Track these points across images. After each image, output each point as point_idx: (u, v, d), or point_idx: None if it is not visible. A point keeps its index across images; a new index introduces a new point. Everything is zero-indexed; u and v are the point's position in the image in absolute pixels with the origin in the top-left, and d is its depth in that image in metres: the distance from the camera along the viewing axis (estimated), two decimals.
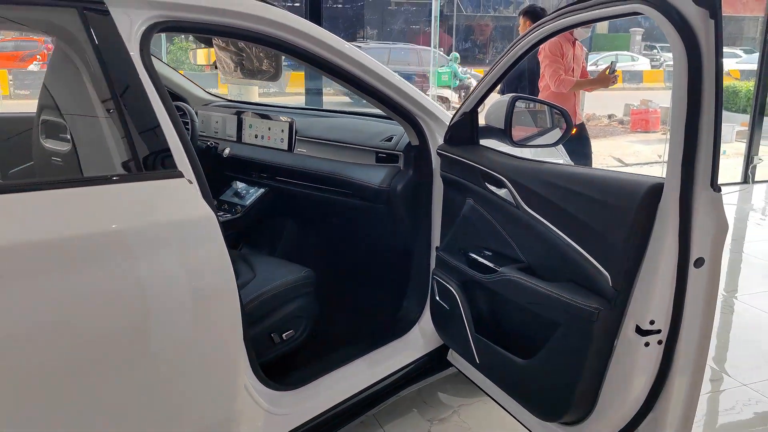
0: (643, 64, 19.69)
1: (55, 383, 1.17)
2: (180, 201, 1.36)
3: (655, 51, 21.26)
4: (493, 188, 1.79)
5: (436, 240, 2.12)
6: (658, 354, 1.39)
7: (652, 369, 1.40)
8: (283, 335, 1.90)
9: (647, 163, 8.78)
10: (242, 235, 2.50)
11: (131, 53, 1.35)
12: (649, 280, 1.35)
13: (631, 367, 1.41)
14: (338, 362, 1.95)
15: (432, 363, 2.19)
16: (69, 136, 1.48)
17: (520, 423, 1.85)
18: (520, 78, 4.42)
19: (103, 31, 1.32)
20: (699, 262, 1.31)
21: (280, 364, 1.88)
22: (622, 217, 1.37)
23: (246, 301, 1.80)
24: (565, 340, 1.51)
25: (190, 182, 1.39)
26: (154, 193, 1.34)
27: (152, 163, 1.36)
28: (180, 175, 1.37)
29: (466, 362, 2.08)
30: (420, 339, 2.16)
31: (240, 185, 2.50)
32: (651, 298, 1.35)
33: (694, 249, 1.30)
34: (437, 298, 2.01)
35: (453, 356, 2.17)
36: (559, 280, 1.55)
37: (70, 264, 1.18)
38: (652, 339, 1.37)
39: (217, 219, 1.40)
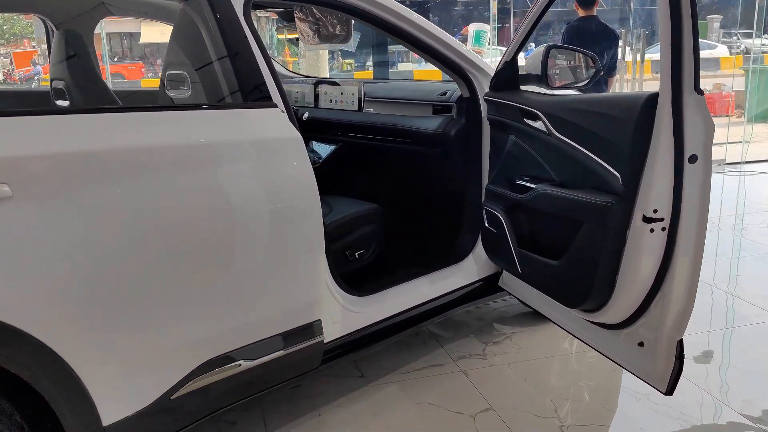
0: (721, 51, 19.06)
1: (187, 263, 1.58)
2: (275, 124, 1.76)
3: (734, 38, 20.51)
4: (530, 122, 2.11)
5: (486, 179, 2.45)
6: (662, 239, 1.67)
7: (657, 252, 1.68)
8: (356, 254, 2.28)
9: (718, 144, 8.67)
10: (319, 185, 2.88)
11: (238, 14, 1.77)
12: (651, 176, 1.64)
13: (640, 252, 1.70)
14: (403, 278, 2.31)
15: (485, 287, 2.52)
16: (189, 83, 1.91)
17: (557, 324, 2.16)
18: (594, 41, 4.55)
19: (220, 1, 1.75)
20: (693, 159, 1.59)
21: (355, 277, 2.26)
22: (628, 125, 1.67)
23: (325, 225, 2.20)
24: (587, 235, 1.81)
25: (282, 112, 1.79)
26: (256, 118, 1.75)
27: (254, 96, 1.77)
28: (274, 105, 1.78)
29: (515, 285, 2.40)
30: (474, 266, 2.49)
31: (317, 144, 2.91)
32: (654, 190, 1.64)
33: (687, 147, 1.59)
34: (486, 225, 2.34)
35: (504, 282, 2.49)
36: (584, 189, 1.86)
37: (202, 162, 1.61)
38: (657, 226, 1.66)
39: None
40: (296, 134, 1.78)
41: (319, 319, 1.92)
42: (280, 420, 2.17)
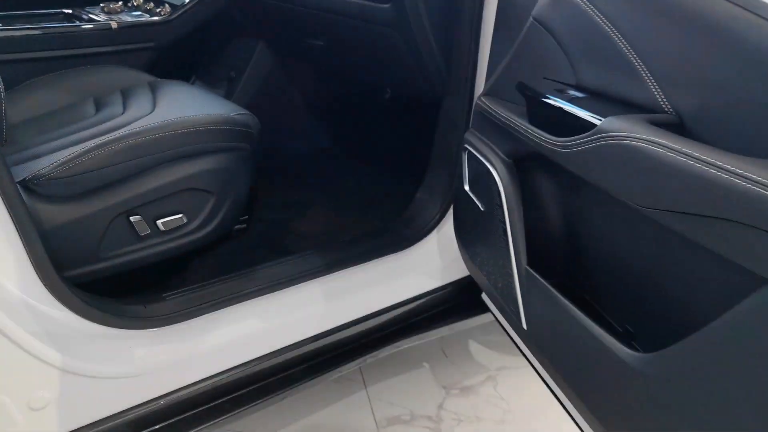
0: None
1: None
2: None
3: None
4: None
5: (480, 84, 1.12)
6: None
7: None
8: (159, 222, 1.01)
9: None
10: (191, 61, 1.58)
11: None
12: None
13: None
14: (279, 284, 1.05)
15: (456, 299, 1.27)
16: None
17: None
18: None
19: None
20: None
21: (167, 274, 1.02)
22: None
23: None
24: None
25: None
26: None
27: None
28: None
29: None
30: (438, 258, 1.23)
31: None
32: None
33: None
34: (466, 186, 1.04)
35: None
36: None
37: None
38: None
39: None
40: None
41: None
42: None
